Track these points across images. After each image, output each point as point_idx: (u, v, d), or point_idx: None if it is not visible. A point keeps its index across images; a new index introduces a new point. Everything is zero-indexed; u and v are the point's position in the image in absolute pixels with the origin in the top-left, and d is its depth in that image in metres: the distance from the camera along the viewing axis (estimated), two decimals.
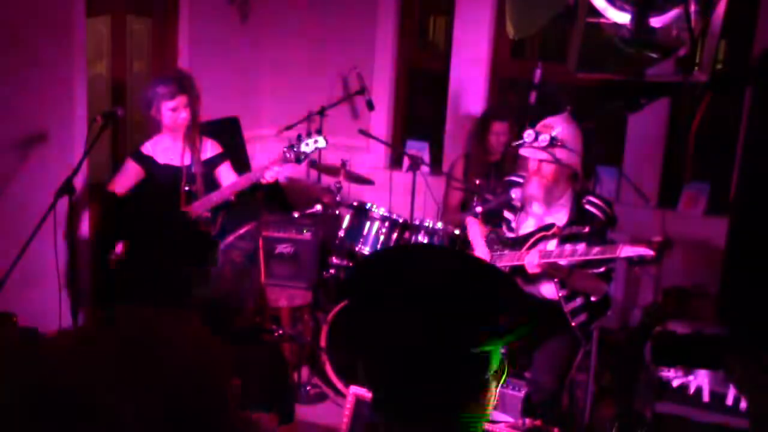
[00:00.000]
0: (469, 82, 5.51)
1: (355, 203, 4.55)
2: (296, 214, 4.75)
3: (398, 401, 1.16)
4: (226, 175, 3.91)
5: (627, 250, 3.23)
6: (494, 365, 1.17)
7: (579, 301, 3.52)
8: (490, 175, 4.68)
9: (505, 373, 1.20)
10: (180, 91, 3.75)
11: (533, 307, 1.19)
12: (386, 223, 4.42)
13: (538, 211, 3.59)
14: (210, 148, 3.91)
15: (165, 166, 3.84)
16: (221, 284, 3.35)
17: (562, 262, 3.41)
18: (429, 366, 1.13)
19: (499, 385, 1.19)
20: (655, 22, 2.10)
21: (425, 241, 4.40)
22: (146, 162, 3.89)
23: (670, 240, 3.30)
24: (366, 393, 1.20)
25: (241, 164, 5.13)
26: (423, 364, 1.13)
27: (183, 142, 3.82)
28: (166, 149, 3.86)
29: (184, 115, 3.77)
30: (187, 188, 3.82)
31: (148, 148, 3.90)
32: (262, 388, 2.95)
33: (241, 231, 4.27)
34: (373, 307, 1.16)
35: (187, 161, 3.83)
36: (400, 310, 1.13)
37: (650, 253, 3.20)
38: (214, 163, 3.91)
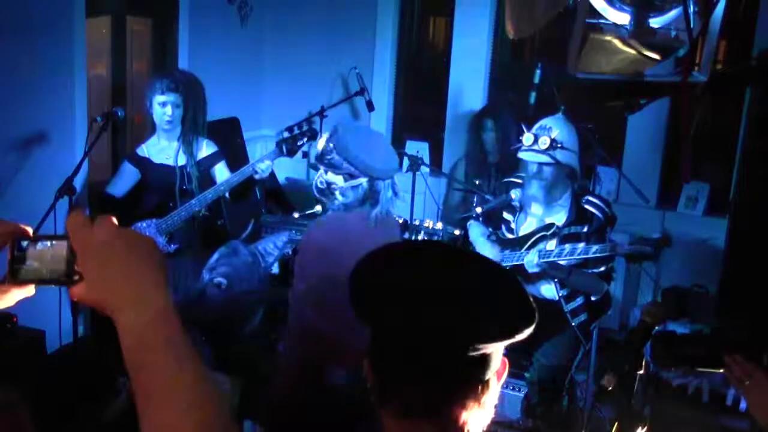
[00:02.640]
0: (469, 82, 5.51)
1: None
2: (296, 215, 4.75)
3: (400, 401, 1.16)
4: (221, 173, 3.91)
5: (625, 248, 3.24)
6: (495, 365, 1.17)
7: (579, 300, 3.52)
8: (490, 176, 4.69)
9: (506, 373, 1.20)
10: (172, 89, 3.74)
11: (534, 307, 1.18)
12: None
13: (538, 211, 3.60)
14: (205, 148, 3.92)
15: (160, 166, 3.85)
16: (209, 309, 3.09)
17: (562, 261, 3.41)
18: (429, 366, 1.13)
19: (500, 384, 1.19)
20: (655, 22, 2.10)
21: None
22: (142, 163, 3.89)
23: (668, 237, 3.31)
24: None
25: (241, 164, 5.13)
26: (423, 364, 1.13)
27: (178, 141, 3.84)
28: (162, 149, 3.87)
29: (170, 113, 3.76)
30: (183, 187, 3.82)
31: (143, 150, 3.91)
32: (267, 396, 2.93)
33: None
34: (373, 306, 1.16)
35: (182, 161, 3.84)
36: (400, 310, 1.13)
37: (648, 249, 3.21)
38: (209, 162, 3.91)
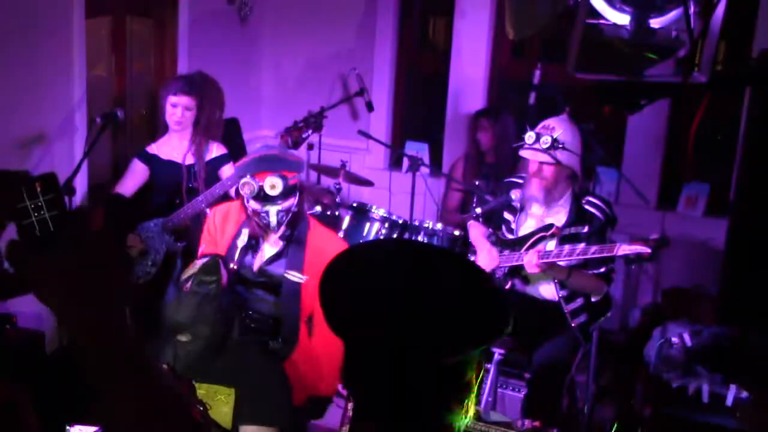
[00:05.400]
0: (469, 82, 5.51)
1: (354, 204, 4.55)
2: None
3: (380, 409, 1.16)
4: (227, 175, 3.92)
5: (624, 248, 3.24)
6: (474, 365, 1.17)
7: (579, 301, 3.52)
8: (490, 176, 4.70)
9: (482, 369, 1.21)
10: (184, 91, 3.79)
11: (508, 308, 1.17)
12: (386, 224, 4.42)
13: (538, 212, 3.60)
14: (215, 150, 3.95)
15: (168, 163, 3.90)
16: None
17: (562, 262, 3.41)
18: (408, 376, 1.13)
19: (479, 379, 1.20)
20: (655, 23, 2.10)
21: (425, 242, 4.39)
22: (151, 160, 3.95)
23: (666, 237, 3.31)
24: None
25: None
26: (401, 375, 1.13)
27: (189, 142, 3.87)
28: (172, 148, 3.93)
29: (179, 115, 3.79)
30: (189, 185, 3.84)
31: (153, 148, 3.98)
32: (261, 400, 2.91)
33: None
34: (345, 325, 1.16)
35: (190, 160, 3.87)
36: (372, 329, 1.12)
37: (647, 250, 3.21)
38: (217, 163, 3.92)
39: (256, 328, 3.08)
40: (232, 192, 3.71)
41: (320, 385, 3.04)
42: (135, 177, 3.96)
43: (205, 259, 2.98)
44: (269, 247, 3.11)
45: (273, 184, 2.91)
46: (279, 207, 2.96)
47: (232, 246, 3.09)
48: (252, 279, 3.10)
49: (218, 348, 2.92)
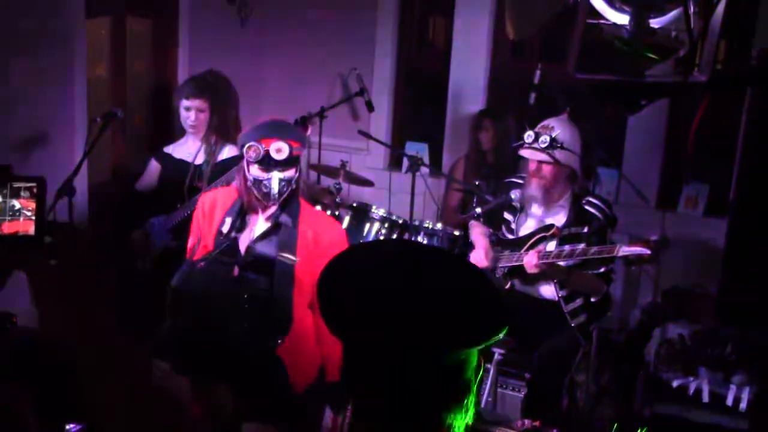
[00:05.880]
0: (469, 83, 5.51)
1: (354, 204, 4.55)
2: None
3: (380, 410, 1.16)
4: None
5: (624, 250, 3.24)
6: (473, 365, 1.17)
7: (579, 301, 3.52)
8: (490, 177, 4.70)
9: (482, 369, 1.21)
10: (195, 94, 3.82)
11: (505, 309, 1.18)
12: (386, 224, 4.42)
13: (538, 212, 3.60)
14: (228, 151, 3.94)
15: (179, 162, 3.93)
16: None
17: (561, 262, 3.41)
18: (407, 376, 1.13)
19: (478, 379, 1.20)
20: (655, 23, 2.10)
21: (424, 242, 4.39)
22: (164, 158, 4.00)
23: (666, 238, 3.32)
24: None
25: None
26: (401, 375, 1.13)
27: (201, 143, 3.89)
28: (186, 148, 3.95)
29: (194, 117, 3.83)
30: (193, 184, 3.86)
31: (170, 148, 4.03)
32: (260, 399, 2.91)
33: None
34: (345, 326, 1.16)
35: (200, 160, 3.89)
36: (372, 330, 1.12)
37: (646, 251, 3.21)
38: (227, 164, 3.92)
39: (253, 310, 3.05)
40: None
41: (331, 368, 3.02)
42: (150, 175, 4.04)
43: (223, 241, 3.00)
44: (259, 226, 3.08)
45: (279, 148, 2.91)
46: (282, 175, 2.95)
47: (218, 234, 3.06)
48: (241, 260, 3.04)
49: (217, 337, 2.91)
